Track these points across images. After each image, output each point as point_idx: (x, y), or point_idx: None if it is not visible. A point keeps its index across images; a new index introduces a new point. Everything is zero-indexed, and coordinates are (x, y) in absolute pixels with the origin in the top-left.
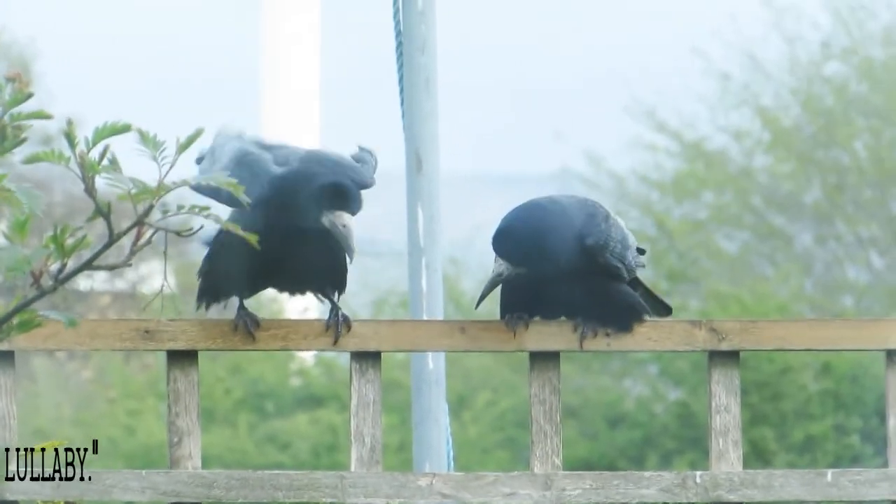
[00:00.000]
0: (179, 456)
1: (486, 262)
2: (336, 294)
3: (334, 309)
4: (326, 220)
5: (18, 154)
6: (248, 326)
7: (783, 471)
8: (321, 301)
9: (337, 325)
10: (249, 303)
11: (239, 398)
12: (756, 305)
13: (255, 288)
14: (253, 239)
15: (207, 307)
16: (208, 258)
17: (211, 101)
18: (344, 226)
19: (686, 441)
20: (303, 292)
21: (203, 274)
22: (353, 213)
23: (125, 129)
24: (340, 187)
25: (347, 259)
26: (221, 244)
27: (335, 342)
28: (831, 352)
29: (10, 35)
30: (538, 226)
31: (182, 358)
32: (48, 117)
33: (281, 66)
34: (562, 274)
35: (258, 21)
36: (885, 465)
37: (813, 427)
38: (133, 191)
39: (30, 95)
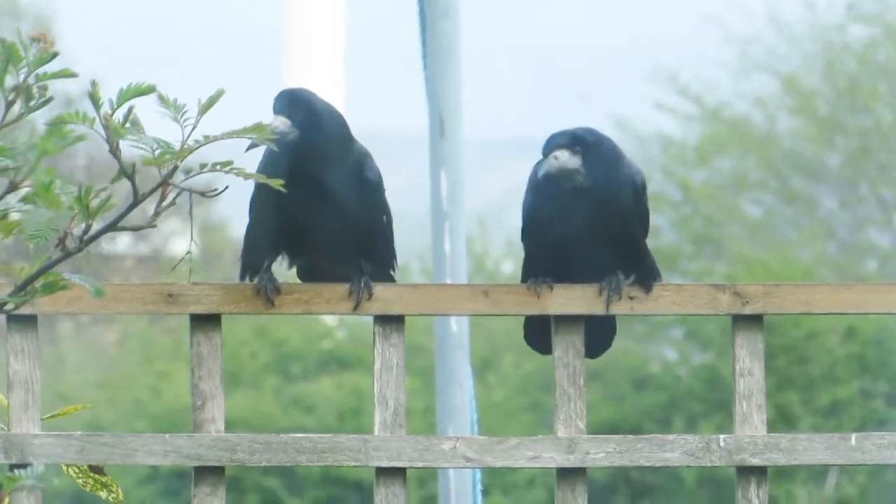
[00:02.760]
0: (203, 419)
1: (514, 226)
2: (371, 267)
3: (358, 274)
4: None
5: (42, 116)
6: (267, 292)
7: (807, 434)
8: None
9: (359, 290)
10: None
11: (264, 361)
12: (781, 269)
13: (291, 253)
14: (277, 183)
15: (251, 279)
16: (246, 232)
17: (235, 63)
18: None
19: (712, 404)
20: (339, 265)
21: (243, 249)
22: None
23: (149, 90)
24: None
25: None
26: (253, 214)
27: (356, 307)
28: (856, 315)
29: None
30: None
31: (205, 322)
32: (73, 75)
33: (305, 31)
34: (596, 237)
35: None
36: None
37: (839, 391)
38: (157, 152)
39: (55, 55)
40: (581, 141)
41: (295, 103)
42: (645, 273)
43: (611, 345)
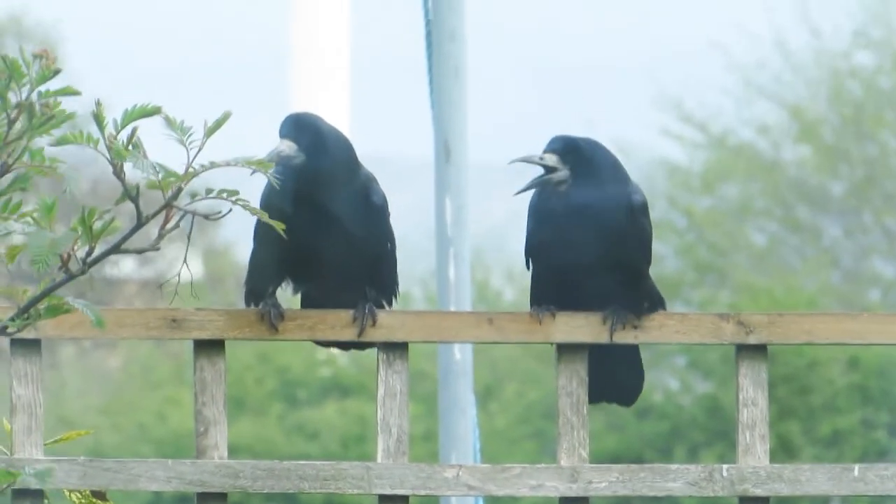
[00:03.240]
0: (206, 445)
1: (515, 251)
2: (375, 293)
3: (363, 301)
4: None
5: (47, 136)
6: (271, 318)
7: (810, 465)
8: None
9: (363, 316)
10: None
11: (268, 387)
12: (785, 298)
13: (295, 279)
14: (280, 227)
15: (256, 306)
16: (251, 257)
17: (240, 85)
18: None
19: (714, 433)
20: (343, 291)
21: (248, 275)
22: None
23: (154, 111)
24: None
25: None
26: (257, 240)
27: (360, 334)
28: (859, 346)
29: (36, 16)
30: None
31: (209, 347)
32: (76, 93)
33: (310, 55)
34: (593, 261)
35: (289, 7)
36: None
37: (840, 421)
38: (160, 176)
39: (57, 72)
40: (575, 150)
41: (301, 127)
42: (641, 301)
43: (642, 388)
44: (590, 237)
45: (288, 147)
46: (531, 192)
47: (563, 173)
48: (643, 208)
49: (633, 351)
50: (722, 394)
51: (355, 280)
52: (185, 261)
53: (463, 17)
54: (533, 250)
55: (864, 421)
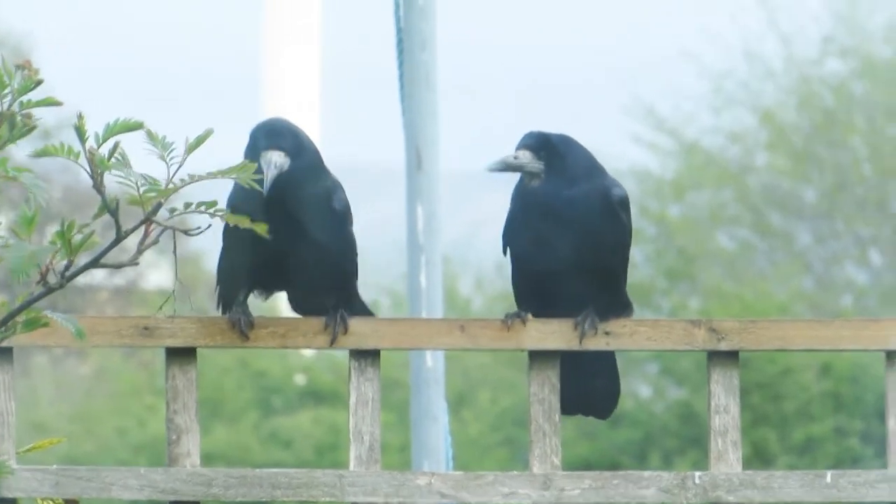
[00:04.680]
0: (178, 454)
1: (486, 258)
2: (338, 298)
3: (334, 308)
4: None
5: (25, 147)
6: (241, 325)
7: (782, 472)
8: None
9: (335, 324)
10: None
11: (244, 394)
12: (756, 304)
13: (264, 287)
14: (262, 228)
15: (227, 311)
16: (219, 262)
17: (211, 93)
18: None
19: (687, 440)
20: (311, 296)
21: (217, 280)
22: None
23: (136, 126)
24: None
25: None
26: (224, 246)
27: (332, 342)
28: (831, 352)
29: (6, 24)
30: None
31: (181, 355)
32: (58, 104)
33: (281, 62)
34: (570, 255)
35: (260, 16)
36: (885, 466)
37: (813, 428)
38: (143, 188)
39: (39, 82)
40: (548, 145)
41: (281, 134)
42: (614, 306)
43: (617, 402)
44: (566, 231)
45: (278, 157)
46: (505, 199)
47: (537, 165)
48: (623, 202)
49: (608, 361)
50: (695, 400)
51: (323, 286)
52: (175, 276)
53: (434, 25)
54: (510, 239)
55: (837, 428)
